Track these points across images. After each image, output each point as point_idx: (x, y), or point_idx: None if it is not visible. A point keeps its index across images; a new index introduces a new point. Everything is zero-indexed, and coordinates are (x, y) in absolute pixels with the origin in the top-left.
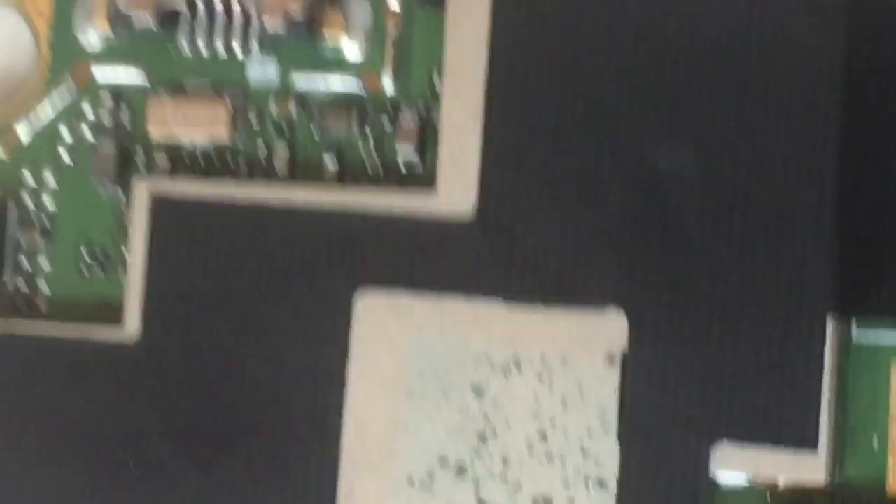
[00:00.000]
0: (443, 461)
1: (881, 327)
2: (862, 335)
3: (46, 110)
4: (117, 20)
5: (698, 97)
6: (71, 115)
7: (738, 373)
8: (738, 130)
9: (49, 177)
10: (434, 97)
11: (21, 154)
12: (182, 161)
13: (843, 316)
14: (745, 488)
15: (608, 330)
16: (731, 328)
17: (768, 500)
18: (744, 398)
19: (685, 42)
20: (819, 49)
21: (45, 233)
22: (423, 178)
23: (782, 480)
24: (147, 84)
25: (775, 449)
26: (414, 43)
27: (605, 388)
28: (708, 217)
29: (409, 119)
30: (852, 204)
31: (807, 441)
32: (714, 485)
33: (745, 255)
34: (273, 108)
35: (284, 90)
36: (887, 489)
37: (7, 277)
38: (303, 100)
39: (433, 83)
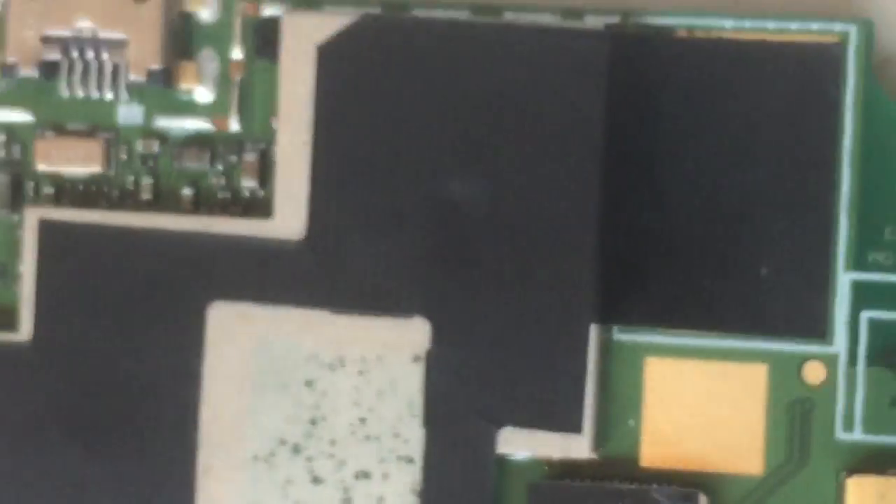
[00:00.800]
0: (282, 441)
1: (636, 331)
2: (622, 337)
3: None
4: (6, 69)
5: (487, 140)
6: None
7: (520, 370)
8: (520, 167)
9: None
10: (272, 136)
11: None
12: (65, 190)
13: (605, 323)
14: (528, 461)
15: (414, 334)
16: (514, 333)
17: (546, 470)
18: (524, 391)
19: (477, 97)
20: (585, 95)
21: None
22: (263, 205)
23: (556, 456)
24: (34, 123)
25: (549, 432)
26: (255, 89)
27: (412, 382)
28: (495, 240)
29: (251, 155)
30: (612, 231)
31: (573, 425)
32: (503, 459)
33: (525, 272)
34: (139, 145)
35: (148, 130)
36: (640, 461)
37: None
38: (164, 138)
39: (271, 124)
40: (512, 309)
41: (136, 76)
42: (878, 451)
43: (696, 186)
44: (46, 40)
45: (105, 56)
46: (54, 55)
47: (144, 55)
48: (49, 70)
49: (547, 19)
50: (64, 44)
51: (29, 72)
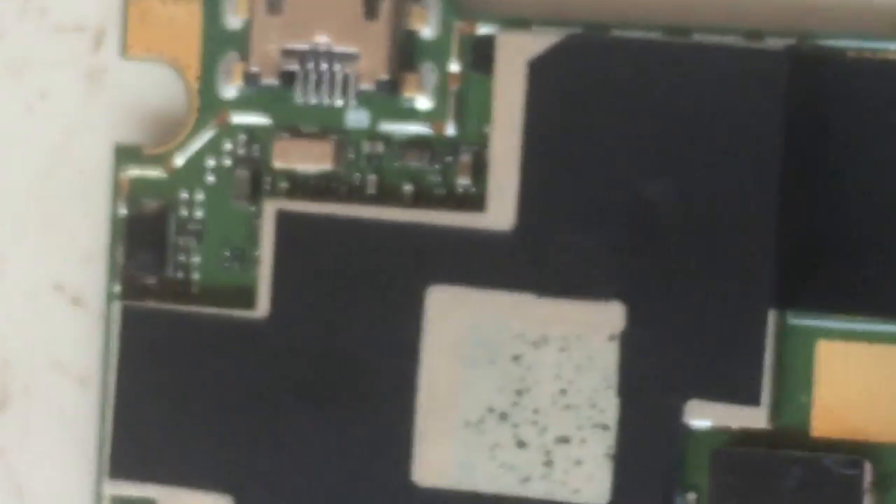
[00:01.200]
0: (490, 409)
1: (808, 316)
2: (795, 321)
3: (196, 144)
4: (249, 78)
5: (678, 147)
6: (214, 148)
7: (705, 349)
8: (706, 169)
9: (199, 195)
10: (484, 140)
11: (177, 176)
12: (299, 185)
13: (781, 308)
14: (709, 430)
15: (611, 316)
16: (700, 316)
17: (726, 438)
18: (708, 368)
19: (668, 108)
20: (765, 108)
21: (197, 236)
22: (476, 201)
23: (735, 426)
24: (272, 126)
25: (730, 404)
26: (470, 99)
27: (608, 359)
28: (683, 233)
29: (466, 156)
30: (787, 226)
31: (752, 399)
32: (687, 428)
33: (710, 262)
34: (365, 146)
35: (374, 132)
36: (810, 432)
37: (169, 271)
38: (387, 140)
39: (484, 129)
40: (698, 294)
41: (365, 85)
42: None
43: (866, 186)
44: (286, 53)
45: (337, 67)
46: (293, 66)
47: (373, 67)
48: (287, 79)
49: (731, 40)
50: (302, 56)
51: (269, 80)
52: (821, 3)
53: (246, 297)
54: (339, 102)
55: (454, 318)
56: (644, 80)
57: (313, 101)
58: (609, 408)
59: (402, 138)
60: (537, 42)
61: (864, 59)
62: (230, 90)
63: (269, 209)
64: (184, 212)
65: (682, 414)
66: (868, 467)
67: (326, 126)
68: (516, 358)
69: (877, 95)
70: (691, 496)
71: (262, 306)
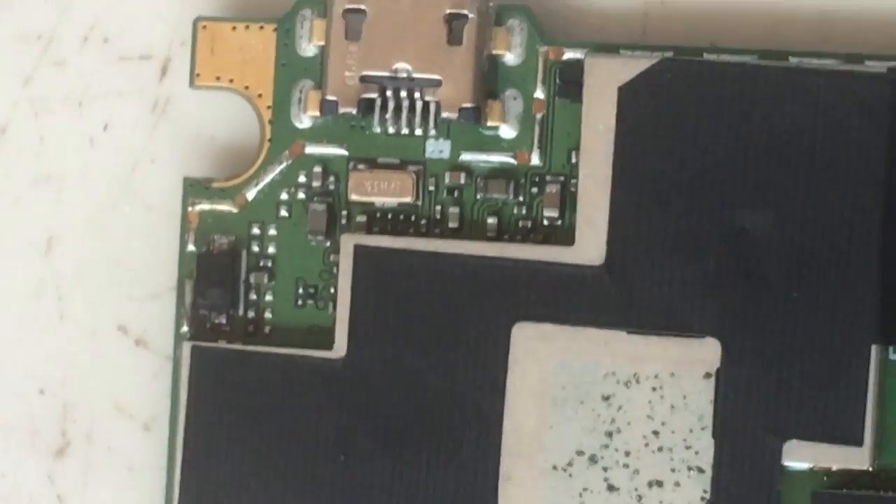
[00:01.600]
0: (579, 452)
1: None
2: None
3: (268, 177)
4: (326, 107)
5: (775, 174)
6: (288, 181)
7: (805, 386)
8: (805, 198)
9: (271, 229)
10: (572, 170)
11: (249, 211)
12: (376, 219)
13: (884, 343)
14: (808, 471)
15: (706, 353)
16: (799, 352)
17: (825, 480)
18: (808, 406)
19: (765, 134)
20: (867, 134)
21: (269, 273)
22: (564, 234)
23: (835, 467)
24: (348, 157)
25: (831, 444)
26: (556, 126)
27: (703, 398)
28: (782, 266)
29: (552, 187)
30: (891, 263)
31: (854, 439)
32: (785, 470)
33: (810, 296)
34: (447, 177)
35: (455, 163)
36: None
37: (240, 309)
38: (469, 171)
39: (571, 159)
40: (798, 330)
41: (448, 113)
42: None
43: None
44: (365, 80)
45: (417, 95)
46: (371, 94)
47: (457, 94)
48: (366, 107)
49: (830, 63)
50: (381, 84)
51: (347, 109)
52: None
53: (322, 336)
54: (419, 132)
55: (541, 357)
56: (739, 105)
57: (392, 130)
58: (704, 449)
59: (485, 169)
60: (628, 67)
61: None
62: (305, 120)
63: (346, 244)
64: (256, 248)
65: (780, 455)
66: None
67: (406, 157)
68: (606, 398)
69: None
70: None
71: (340, 346)
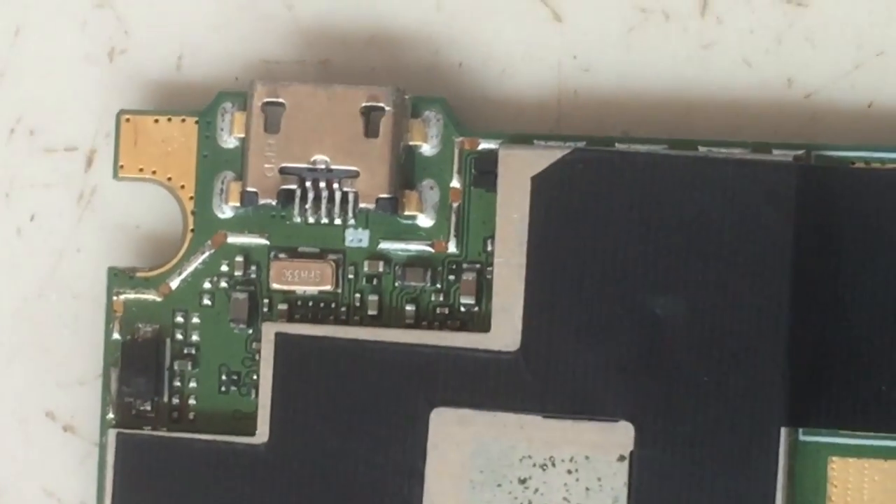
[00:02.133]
0: None
1: (820, 433)
2: (807, 437)
3: (192, 266)
4: (246, 198)
5: (685, 262)
6: (211, 270)
7: (716, 468)
8: (715, 284)
9: (195, 318)
10: (488, 258)
11: (172, 300)
12: (297, 306)
13: (793, 426)
14: None
15: (620, 436)
16: (710, 434)
17: None
18: (719, 487)
19: (675, 222)
20: (774, 221)
21: (193, 360)
22: (480, 320)
23: None
24: (269, 246)
25: None
26: (472, 215)
27: (618, 480)
28: (693, 350)
29: (469, 275)
30: (799, 346)
31: None
32: None
33: (721, 380)
34: (366, 266)
35: (374, 252)
36: None
37: (165, 396)
38: (388, 259)
39: (487, 247)
40: (709, 413)
41: (366, 204)
42: None
43: (876, 300)
44: (284, 171)
45: (336, 186)
46: (291, 185)
47: (374, 185)
48: (286, 198)
49: (739, 152)
50: (300, 175)
51: (267, 199)
52: (826, 114)
53: (245, 422)
54: (338, 221)
55: (459, 441)
56: (650, 193)
57: (312, 220)
58: None
59: (403, 257)
60: (541, 157)
61: (870, 170)
62: (226, 210)
63: (268, 332)
64: (179, 335)
65: None
66: None
67: (325, 246)
68: (523, 481)
69: (885, 205)
70: None
71: (262, 432)
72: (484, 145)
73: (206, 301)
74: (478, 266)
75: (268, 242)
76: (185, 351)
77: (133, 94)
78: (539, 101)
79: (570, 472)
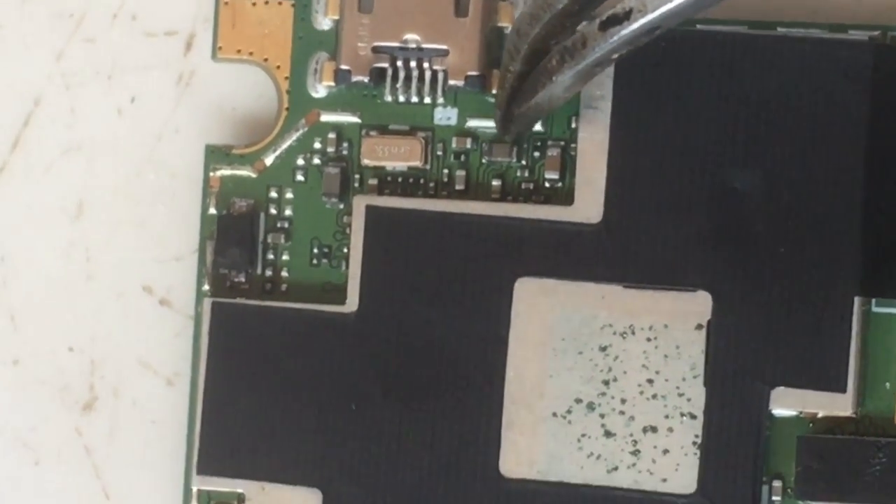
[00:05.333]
0: (578, 400)
1: (893, 304)
2: (880, 308)
3: (285, 143)
4: (339, 76)
5: (764, 137)
6: (304, 147)
7: (791, 337)
8: (791, 159)
9: (288, 193)
10: (572, 135)
11: (267, 175)
12: (387, 182)
13: (866, 296)
14: (795, 417)
15: (698, 306)
16: (786, 304)
17: (810, 426)
18: (794, 355)
19: (754, 99)
20: (850, 98)
21: (286, 234)
22: (564, 195)
23: (821, 413)
24: (361, 124)
25: (816, 391)
26: None
27: (695, 348)
28: (770, 223)
29: (553, 151)
30: (873, 220)
31: (838, 386)
32: (772, 416)
33: (796, 251)
34: (454, 142)
35: (461, 129)
36: (894, 419)
37: (258, 268)
38: (475, 136)
39: (571, 124)
40: (785, 283)
41: (455, 81)
42: None
43: None
44: (376, 50)
45: (426, 64)
46: (383, 63)
47: (463, 63)
48: (377, 76)
49: (816, 33)
50: (392, 54)
51: (360, 77)
52: None
53: (335, 293)
54: (427, 100)
55: (542, 310)
56: (730, 72)
57: (402, 98)
58: (696, 397)
59: (490, 135)
60: None
61: None
62: (320, 89)
63: (359, 205)
64: (273, 210)
65: (768, 402)
66: None
67: (415, 123)
68: (604, 348)
69: None
70: (777, 483)
71: (352, 302)
72: None
73: (300, 177)
74: (562, 143)
75: (359, 120)
76: (279, 225)
77: None
78: None
79: (649, 339)
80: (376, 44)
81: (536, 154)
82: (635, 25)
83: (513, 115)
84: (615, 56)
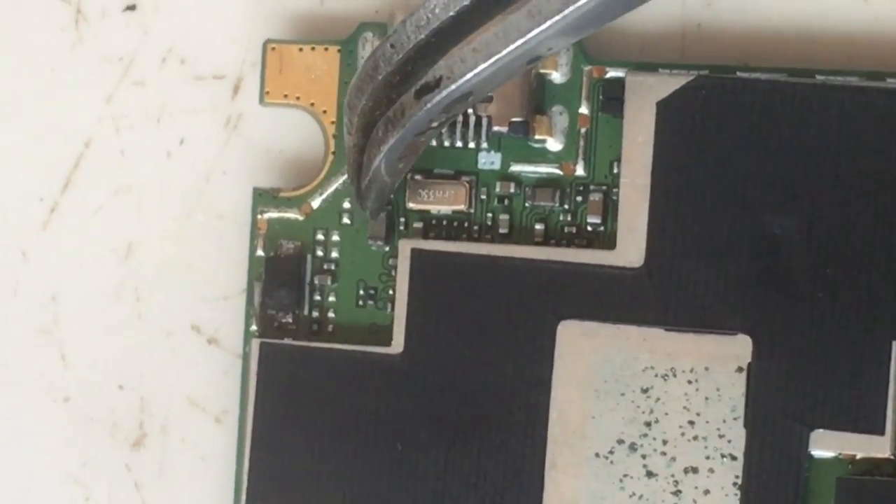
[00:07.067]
0: (620, 441)
1: None
2: None
3: (332, 187)
4: None
5: (802, 182)
6: (350, 191)
7: (830, 380)
8: (830, 205)
9: (335, 235)
10: (614, 180)
11: (314, 218)
12: (432, 225)
13: None
14: (834, 459)
15: (738, 349)
16: (824, 348)
17: (849, 467)
18: (833, 398)
19: (793, 145)
20: (887, 144)
21: (333, 276)
22: (606, 239)
23: (859, 455)
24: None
25: (855, 433)
26: (599, 139)
27: (736, 390)
28: (809, 268)
29: (595, 196)
30: None
31: (877, 428)
32: (812, 457)
33: (835, 295)
34: (497, 187)
35: (505, 174)
36: None
37: (305, 309)
38: (518, 181)
39: (613, 169)
40: (823, 327)
41: (499, 127)
42: None
43: None
44: None
45: (471, 110)
46: None
47: (507, 109)
48: None
49: (853, 80)
50: None
51: None
52: None
53: (381, 334)
54: (472, 144)
55: (584, 352)
56: (769, 119)
57: (447, 143)
58: (736, 438)
59: (533, 179)
60: (666, 83)
61: None
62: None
63: (404, 248)
64: (320, 252)
65: (808, 443)
66: None
67: (459, 168)
68: (645, 390)
69: None
70: None
71: (398, 343)
72: (611, 73)
73: (346, 220)
74: (604, 188)
75: None
76: (325, 266)
77: (278, 25)
78: (664, 34)
79: (690, 382)
80: None
81: (579, 199)
82: (445, 92)
83: (362, 190)
84: (435, 124)
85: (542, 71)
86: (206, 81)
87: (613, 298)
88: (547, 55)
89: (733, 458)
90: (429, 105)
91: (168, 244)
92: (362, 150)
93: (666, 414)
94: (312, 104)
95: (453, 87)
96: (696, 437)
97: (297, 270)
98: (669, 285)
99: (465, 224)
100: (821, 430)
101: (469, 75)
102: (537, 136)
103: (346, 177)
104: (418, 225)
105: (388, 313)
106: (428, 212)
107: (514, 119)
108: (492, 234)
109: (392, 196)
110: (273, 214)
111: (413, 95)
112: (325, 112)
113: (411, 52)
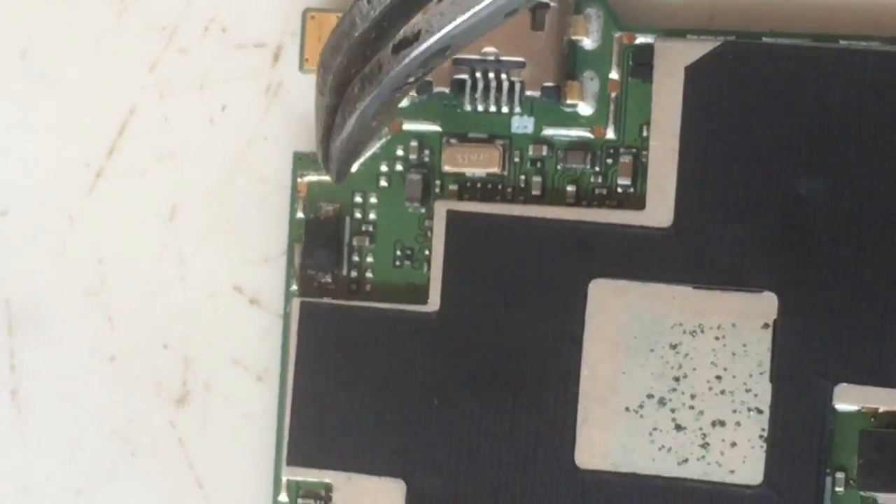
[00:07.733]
0: (650, 396)
1: None
2: None
3: (370, 151)
4: (421, 87)
5: (826, 144)
6: (388, 154)
7: (854, 335)
8: (854, 166)
9: (372, 198)
10: (643, 142)
11: (352, 181)
12: (466, 188)
13: None
14: (857, 412)
15: (764, 306)
16: (849, 303)
17: (872, 420)
18: (856, 352)
19: (818, 108)
20: None
21: (370, 237)
22: (635, 200)
23: (882, 408)
24: (441, 132)
25: (877, 387)
26: (629, 104)
27: (761, 346)
28: (833, 228)
29: (625, 158)
30: None
31: None
32: (835, 411)
33: (858, 253)
34: (530, 150)
35: (538, 137)
36: None
37: (344, 269)
38: (551, 144)
39: (643, 132)
40: (847, 285)
41: (531, 92)
42: None
43: None
44: (456, 62)
45: (504, 75)
46: (463, 75)
47: (540, 74)
48: (458, 87)
49: (876, 45)
50: (471, 66)
51: (441, 88)
52: None
53: (417, 293)
54: (505, 109)
55: (615, 310)
56: (794, 83)
57: (481, 108)
58: (762, 392)
59: (565, 142)
60: (694, 49)
61: None
62: (403, 99)
63: (440, 210)
64: (358, 214)
65: (831, 397)
66: None
67: (493, 132)
68: (674, 346)
69: None
70: (840, 475)
71: (434, 301)
72: (640, 39)
73: (383, 182)
74: (634, 150)
75: (440, 129)
76: (363, 228)
77: None
78: (692, 1)
79: (717, 338)
80: (456, 56)
81: (609, 161)
82: (424, 45)
83: (330, 152)
84: (412, 80)
85: (573, 37)
86: (247, 50)
87: (643, 258)
88: (525, 6)
89: (759, 411)
90: (407, 59)
91: (211, 208)
92: (334, 110)
93: (694, 369)
94: None
95: (432, 40)
96: (723, 392)
97: (336, 232)
98: (697, 244)
99: (499, 186)
100: (844, 385)
101: (448, 27)
102: (569, 101)
103: (383, 140)
104: (453, 187)
105: (424, 273)
106: (463, 174)
107: (547, 84)
108: (525, 195)
109: (427, 159)
110: (313, 178)
111: (391, 50)
112: None
113: (388, 7)
